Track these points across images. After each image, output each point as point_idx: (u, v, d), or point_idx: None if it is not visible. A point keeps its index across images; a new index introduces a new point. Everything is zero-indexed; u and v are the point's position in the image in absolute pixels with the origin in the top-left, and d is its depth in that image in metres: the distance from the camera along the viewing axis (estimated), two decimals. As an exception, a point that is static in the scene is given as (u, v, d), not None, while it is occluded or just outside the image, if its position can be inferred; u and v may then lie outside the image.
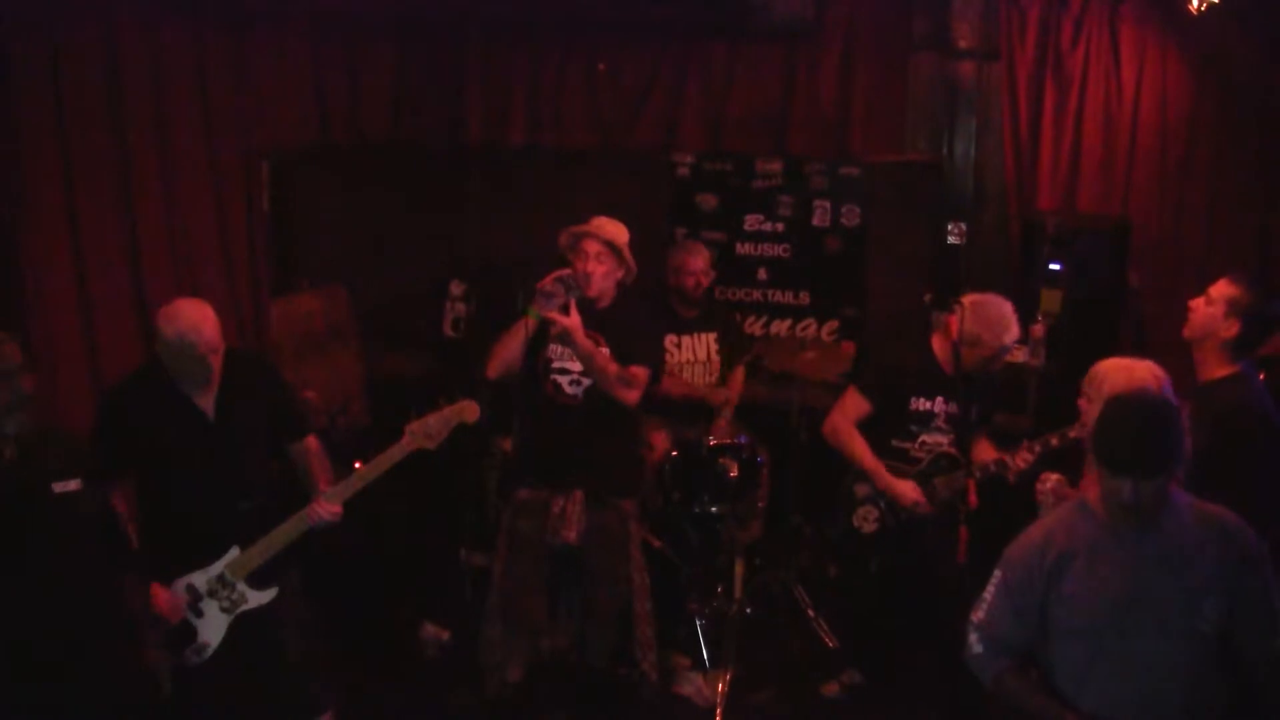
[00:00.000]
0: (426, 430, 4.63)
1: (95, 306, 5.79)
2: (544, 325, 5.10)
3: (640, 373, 5.18)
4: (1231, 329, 4.45)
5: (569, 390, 5.23)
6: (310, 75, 7.23)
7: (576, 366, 5.18)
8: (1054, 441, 4.98)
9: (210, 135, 6.29)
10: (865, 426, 5.42)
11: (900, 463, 5.39)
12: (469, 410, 4.68)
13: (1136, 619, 3.39)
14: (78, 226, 5.73)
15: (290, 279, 7.50)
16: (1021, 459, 5.05)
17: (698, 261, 6.76)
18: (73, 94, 5.68)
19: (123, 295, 5.91)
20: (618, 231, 5.22)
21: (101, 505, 4.34)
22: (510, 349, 5.16)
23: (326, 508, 4.56)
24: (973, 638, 3.65)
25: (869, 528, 5.40)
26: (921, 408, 5.37)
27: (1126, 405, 3.45)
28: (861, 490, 5.44)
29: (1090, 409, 3.91)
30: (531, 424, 5.28)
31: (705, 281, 6.78)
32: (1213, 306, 4.51)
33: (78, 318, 5.75)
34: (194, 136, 6.22)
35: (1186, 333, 4.59)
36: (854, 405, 5.44)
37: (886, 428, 5.41)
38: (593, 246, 5.15)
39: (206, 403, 4.53)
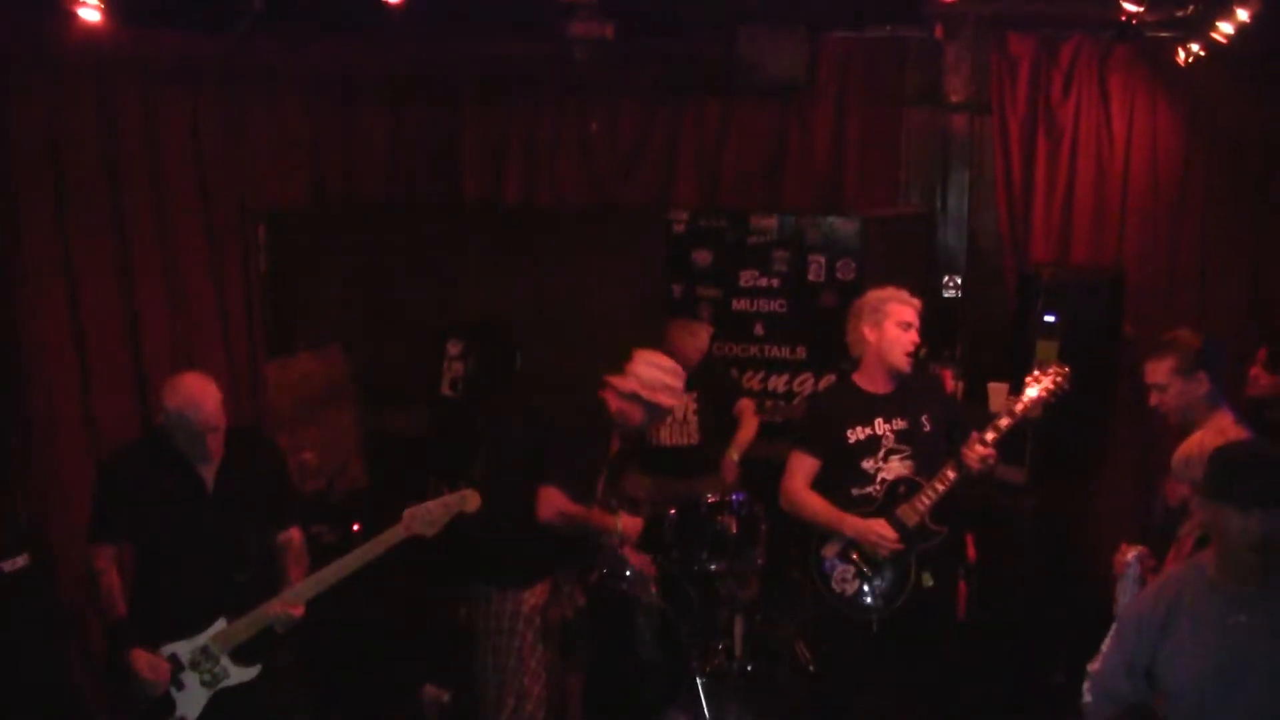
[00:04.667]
0: (426, 517, 4.48)
1: (93, 369, 5.82)
2: None
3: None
4: (1201, 385, 4.36)
5: None
6: (305, 137, 7.24)
7: None
8: (1003, 423, 4.90)
9: (206, 198, 6.32)
10: (820, 486, 5.13)
11: (865, 508, 5.05)
12: (470, 499, 4.53)
13: (1240, 686, 3.31)
14: (75, 290, 5.78)
15: (287, 340, 7.50)
16: (976, 450, 4.86)
17: (700, 342, 6.75)
18: (69, 158, 5.74)
19: (120, 358, 5.94)
20: (655, 378, 5.07)
21: (45, 581, 4.24)
22: None
23: (289, 608, 4.45)
24: (1085, 685, 3.64)
25: (851, 587, 5.08)
26: (861, 436, 5.06)
27: (1248, 445, 3.43)
28: (828, 552, 5.11)
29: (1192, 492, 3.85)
30: (537, 533, 5.03)
31: (699, 357, 6.73)
32: (1167, 390, 4.42)
33: (75, 381, 5.77)
34: (190, 199, 6.25)
35: (1172, 421, 4.50)
36: (800, 466, 5.16)
37: (839, 477, 5.10)
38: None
39: (208, 473, 4.51)
